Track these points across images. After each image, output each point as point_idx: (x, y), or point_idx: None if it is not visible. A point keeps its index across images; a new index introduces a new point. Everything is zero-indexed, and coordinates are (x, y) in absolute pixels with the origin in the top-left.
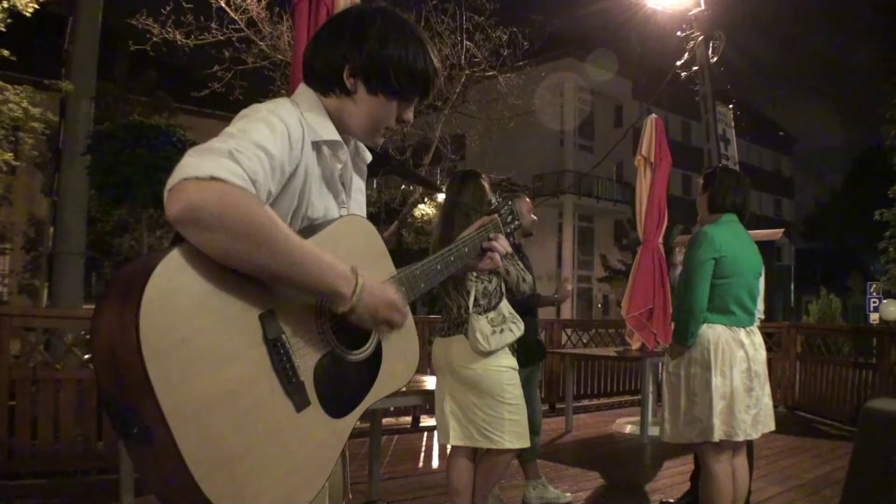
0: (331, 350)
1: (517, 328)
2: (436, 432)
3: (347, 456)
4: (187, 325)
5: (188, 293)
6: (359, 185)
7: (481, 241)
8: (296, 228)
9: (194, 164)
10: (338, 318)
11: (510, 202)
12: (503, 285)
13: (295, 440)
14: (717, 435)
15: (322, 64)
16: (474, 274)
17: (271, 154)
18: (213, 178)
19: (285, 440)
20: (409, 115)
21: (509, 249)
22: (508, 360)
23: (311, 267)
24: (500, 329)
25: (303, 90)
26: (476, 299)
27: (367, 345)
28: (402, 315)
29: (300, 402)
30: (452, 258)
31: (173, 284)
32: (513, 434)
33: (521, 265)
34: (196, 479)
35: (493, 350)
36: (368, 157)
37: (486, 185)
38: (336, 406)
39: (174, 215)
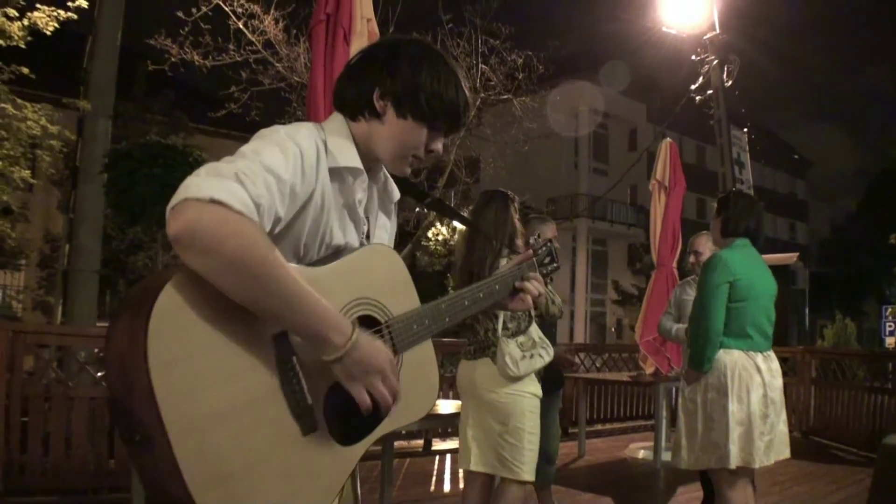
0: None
1: (547, 353)
2: (449, 455)
3: (358, 477)
4: (196, 340)
5: (199, 308)
6: (384, 224)
7: (514, 279)
8: (316, 256)
9: (198, 184)
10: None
11: (550, 243)
12: (532, 308)
13: (298, 464)
14: (735, 461)
15: (354, 89)
16: None
17: (281, 179)
18: (213, 201)
19: (288, 463)
20: (439, 145)
21: (543, 291)
22: (534, 387)
23: (303, 310)
24: (529, 354)
25: (333, 117)
26: (504, 322)
27: None
28: (387, 383)
29: (307, 426)
30: (482, 294)
31: (185, 299)
32: (529, 465)
33: (551, 288)
34: (192, 492)
35: (521, 375)
36: (397, 195)
37: (513, 208)
38: (345, 433)
39: (172, 234)
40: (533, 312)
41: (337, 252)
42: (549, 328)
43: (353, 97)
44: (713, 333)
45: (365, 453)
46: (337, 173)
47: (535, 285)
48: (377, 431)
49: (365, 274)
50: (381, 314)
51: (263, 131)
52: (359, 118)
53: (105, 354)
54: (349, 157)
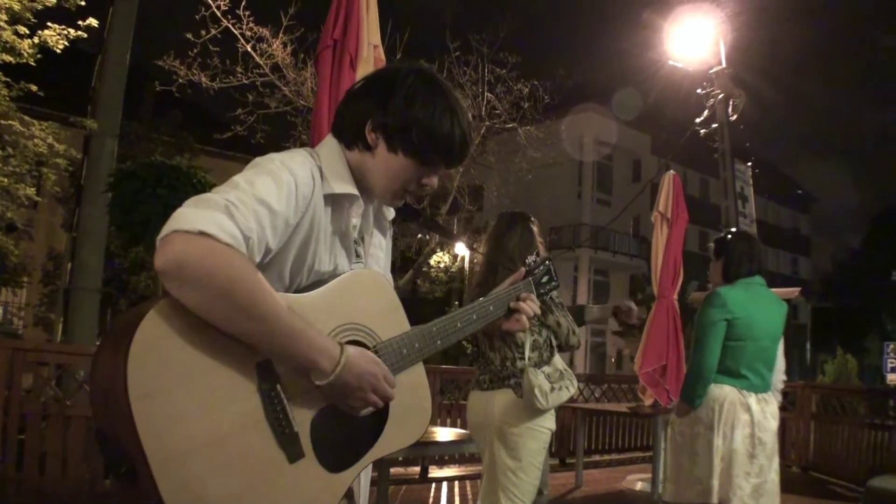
0: (330, 403)
1: (572, 385)
2: (445, 483)
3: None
4: (178, 370)
5: (182, 338)
6: (379, 242)
7: (509, 300)
8: (304, 282)
9: (187, 216)
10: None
11: (548, 261)
12: (553, 338)
13: (284, 492)
14: (715, 497)
15: (349, 118)
16: None
17: (274, 210)
18: (201, 233)
19: (274, 492)
20: (434, 180)
21: (538, 311)
22: (551, 422)
23: (292, 338)
24: (558, 386)
25: (328, 141)
26: (528, 352)
27: None
28: (377, 397)
29: (293, 454)
30: (475, 317)
31: (167, 329)
32: (529, 498)
33: (571, 318)
34: None
35: (549, 408)
36: (391, 214)
37: (536, 230)
38: (333, 460)
39: (158, 267)
40: (554, 342)
41: (325, 278)
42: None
43: (348, 127)
44: (706, 370)
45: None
46: (332, 199)
47: (530, 305)
48: (367, 457)
49: (351, 299)
50: (369, 339)
51: (258, 160)
52: (353, 148)
53: (91, 385)
54: (344, 183)
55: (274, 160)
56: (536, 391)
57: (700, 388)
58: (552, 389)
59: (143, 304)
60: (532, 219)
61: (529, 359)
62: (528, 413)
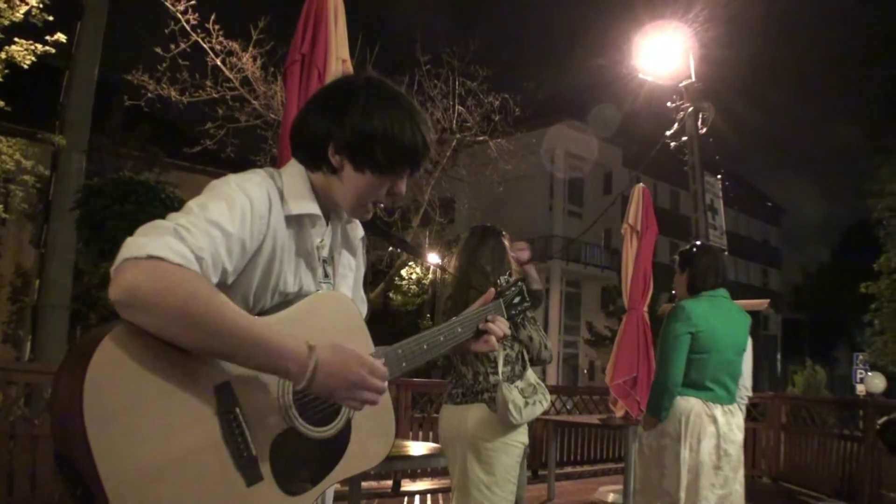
0: (291, 426)
1: (545, 399)
2: (417, 497)
3: None
4: (134, 393)
5: (138, 361)
6: (348, 262)
7: (479, 321)
8: (268, 304)
9: (136, 244)
10: (301, 393)
11: (520, 283)
12: (525, 353)
13: None
14: None
15: (307, 139)
16: None
17: (227, 231)
18: (150, 257)
19: None
20: (402, 187)
21: (507, 332)
22: (524, 436)
23: (256, 348)
24: (532, 401)
25: (292, 162)
26: (500, 366)
27: (335, 422)
28: (370, 393)
29: (251, 477)
30: (442, 338)
31: (124, 352)
32: None
33: (543, 332)
34: None
35: (522, 423)
36: (360, 232)
37: (507, 244)
38: (293, 483)
39: (113, 299)
40: (526, 357)
41: (290, 299)
42: None
43: (308, 147)
44: (671, 383)
45: (333, 493)
46: (294, 220)
47: (500, 325)
48: (327, 480)
49: (314, 321)
50: None
51: (214, 182)
52: (316, 171)
53: (50, 409)
54: (305, 204)
55: (229, 182)
56: (511, 406)
57: (666, 401)
58: (526, 404)
59: (104, 325)
60: (504, 233)
61: (503, 373)
62: (503, 428)
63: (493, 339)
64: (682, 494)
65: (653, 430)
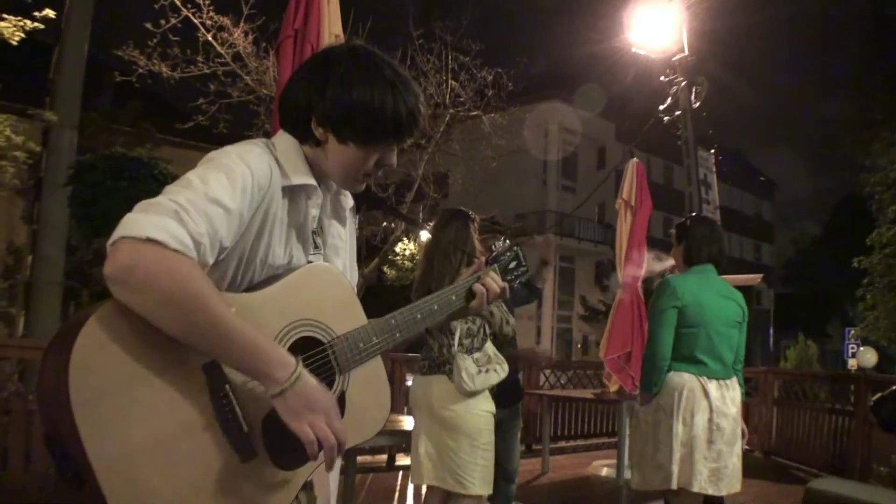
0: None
1: (502, 369)
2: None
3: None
4: (121, 374)
5: (125, 342)
6: (338, 232)
7: (469, 286)
8: (255, 277)
9: (136, 221)
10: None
11: (516, 248)
12: (486, 327)
13: (237, 493)
14: (675, 482)
15: (292, 112)
16: None
17: (228, 208)
18: (149, 240)
19: (225, 493)
20: (392, 158)
21: (503, 286)
22: (488, 405)
23: (242, 349)
24: (485, 369)
25: (282, 133)
26: (460, 338)
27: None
28: (330, 432)
29: (245, 454)
30: (436, 307)
31: (109, 333)
32: (481, 480)
33: (506, 308)
34: None
35: (477, 390)
36: (350, 202)
37: (472, 227)
38: (287, 458)
39: (106, 273)
40: (488, 330)
41: (279, 272)
42: (509, 347)
43: (293, 124)
44: (659, 358)
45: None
46: (290, 191)
47: (492, 280)
48: None
49: (304, 295)
50: (324, 334)
51: (213, 154)
52: (304, 142)
53: (37, 390)
54: (302, 174)
55: (230, 154)
56: (463, 374)
57: (655, 375)
58: (479, 372)
59: (91, 306)
60: (472, 216)
61: (463, 345)
62: (463, 396)
63: (483, 298)
64: (675, 468)
65: (648, 405)
